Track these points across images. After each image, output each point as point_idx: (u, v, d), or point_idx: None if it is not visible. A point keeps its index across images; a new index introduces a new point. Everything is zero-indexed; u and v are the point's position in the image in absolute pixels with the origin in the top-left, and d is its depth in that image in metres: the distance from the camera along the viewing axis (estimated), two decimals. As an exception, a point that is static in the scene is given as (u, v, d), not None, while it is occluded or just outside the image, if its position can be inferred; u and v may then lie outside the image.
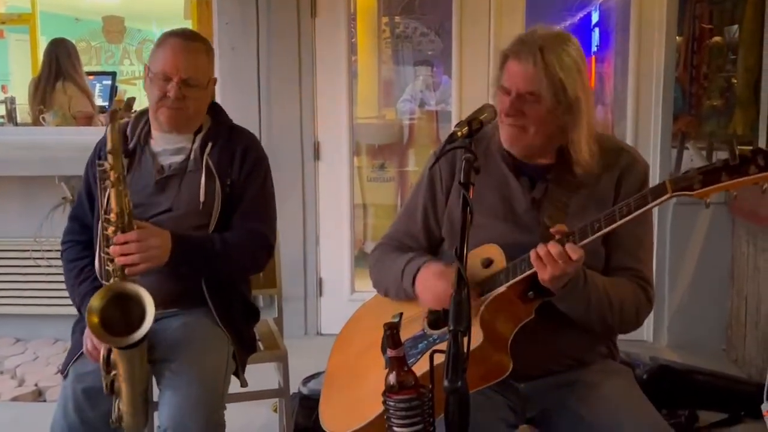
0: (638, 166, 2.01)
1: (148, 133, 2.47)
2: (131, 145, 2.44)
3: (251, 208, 2.46)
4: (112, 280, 2.14)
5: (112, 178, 2.13)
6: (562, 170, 1.99)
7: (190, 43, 2.37)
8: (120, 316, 2.07)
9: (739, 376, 3.79)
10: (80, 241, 2.47)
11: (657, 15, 4.22)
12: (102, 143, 2.45)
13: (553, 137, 1.97)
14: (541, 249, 1.72)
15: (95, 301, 2.05)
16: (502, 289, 1.83)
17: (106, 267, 2.16)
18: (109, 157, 2.14)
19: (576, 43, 1.95)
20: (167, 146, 2.44)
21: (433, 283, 1.94)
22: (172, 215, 2.36)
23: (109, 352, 2.12)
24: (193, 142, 2.43)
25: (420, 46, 6.49)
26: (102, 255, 2.17)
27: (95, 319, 2.04)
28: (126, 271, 2.14)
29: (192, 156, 2.42)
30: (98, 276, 2.35)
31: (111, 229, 2.14)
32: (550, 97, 1.88)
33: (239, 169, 2.44)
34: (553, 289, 1.78)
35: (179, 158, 2.43)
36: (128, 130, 2.47)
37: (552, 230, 1.75)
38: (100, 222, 2.20)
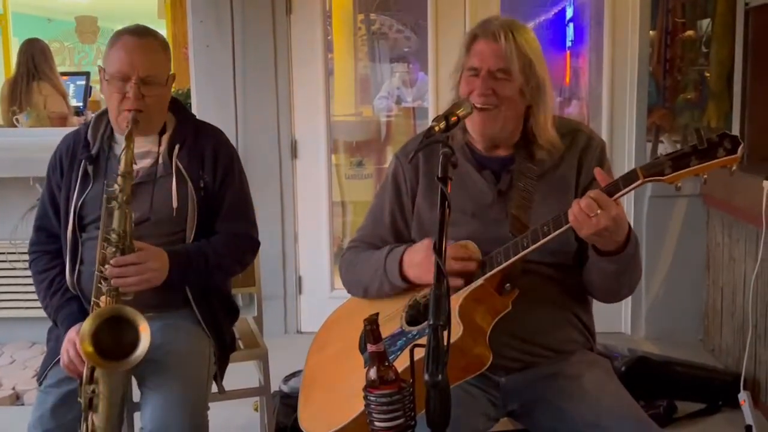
0: (594, 144, 2.06)
1: (111, 137, 2.38)
2: (94, 151, 2.35)
3: (233, 211, 2.43)
4: (102, 299, 2.11)
5: (119, 200, 2.09)
6: (523, 160, 2.02)
7: (144, 40, 2.27)
8: (111, 336, 2.04)
9: (716, 366, 3.83)
10: (48, 251, 2.41)
11: (630, 10, 4.26)
12: (64, 149, 2.41)
13: (518, 121, 2.01)
14: (574, 206, 1.72)
15: (87, 326, 2.02)
16: (480, 281, 1.84)
17: (98, 284, 2.12)
18: (120, 180, 2.10)
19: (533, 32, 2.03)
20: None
21: (425, 255, 1.92)
22: (147, 224, 2.30)
23: (93, 368, 2.09)
24: (160, 144, 2.36)
25: (396, 43, 6.50)
26: (96, 273, 2.13)
27: (89, 347, 2.01)
28: (120, 289, 2.12)
29: (161, 160, 2.34)
30: (70, 287, 2.33)
31: (110, 249, 2.11)
32: (520, 75, 1.93)
33: (212, 171, 2.39)
34: (614, 246, 1.79)
35: (147, 162, 2.35)
36: (89, 134, 2.38)
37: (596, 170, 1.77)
38: (98, 241, 2.15)
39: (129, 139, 2.15)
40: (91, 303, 2.16)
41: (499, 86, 1.94)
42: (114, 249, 2.11)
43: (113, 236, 2.11)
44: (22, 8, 7.70)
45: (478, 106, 1.94)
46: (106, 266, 2.11)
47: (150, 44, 2.28)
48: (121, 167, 2.12)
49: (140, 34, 2.28)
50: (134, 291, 2.15)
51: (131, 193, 2.13)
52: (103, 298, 2.11)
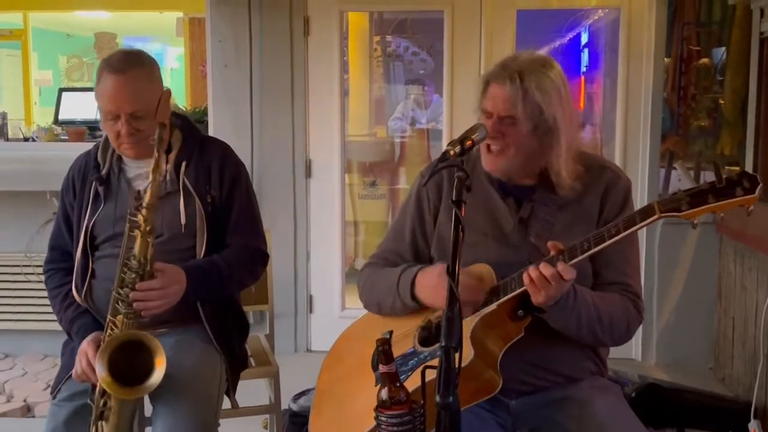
0: (621, 183, 2.05)
1: (120, 158, 2.40)
2: (104, 172, 2.38)
3: (242, 223, 2.45)
4: (119, 318, 2.13)
5: (142, 229, 2.11)
6: (546, 190, 2.03)
7: (126, 76, 2.22)
8: (125, 356, 2.07)
9: (726, 394, 3.82)
10: (62, 268, 2.45)
11: (645, 36, 4.27)
12: (75, 170, 2.44)
13: (532, 158, 2.02)
14: (533, 272, 1.74)
15: (103, 353, 2.05)
16: (492, 307, 1.84)
17: (116, 305, 2.14)
18: (145, 211, 2.11)
19: (557, 67, 2.01)
20: (140, 170, 2.36)
21: (437, 280, 1.93)
22: (159, 241, 2.29)
23: None
24: (166, 161, 2.34)
25: (411, 65, 6.54)
26: (114, 294, 2.14)
27: (107, 377, 2.04)
28: (143, 313, 2.14)
29: (168, 177, 2.35)
30: (79, 302, 2.35)
31: (130, 274, 2.12)
32: (527, 121, 1.94)
33: (219, 185, 2.40)
34: (544, 307, 1.81)
35: (153, 165, 2.33)
36: (98, 155, 2.41)
37: (549, 244, 1.78)
38: (118, 264, 2.15)
39: (155, 171, 2.12)
40: (107, 321, 2.17)
41: (508, 130, 1.96)
42: (134, 275, 2.12)
43: (134, 262, 2.12)
44: (41, 23, 7.77)
45: (487, 145, 1.98)
46: (125, 289, 2.12)
47: (132, 78, 2.24)
48: (146, 199, 2.11)
49: (121, 69, 2.23)
50: (156, 313, 2.18)
51: (153, 223, 2.13)
52: (119, 317, 2.13)
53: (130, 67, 2.25)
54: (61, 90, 5.54)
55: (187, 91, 6.81)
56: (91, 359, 2.12)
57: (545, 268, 1.73)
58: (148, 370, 2.06)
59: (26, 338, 4.47)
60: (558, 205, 2.01)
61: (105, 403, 2.12)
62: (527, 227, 2.01)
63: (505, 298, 1.83)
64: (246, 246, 2.44)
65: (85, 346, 2.18)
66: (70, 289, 2.39)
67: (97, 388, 2.12)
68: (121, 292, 2.13)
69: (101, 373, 2.04)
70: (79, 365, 2.17)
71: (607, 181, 2.04)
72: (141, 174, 2.36)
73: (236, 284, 2.46)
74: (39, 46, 7.70)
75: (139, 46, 8.30)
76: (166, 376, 2.08)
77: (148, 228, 2.11)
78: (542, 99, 1.93)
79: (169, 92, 2.34)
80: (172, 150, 2.39)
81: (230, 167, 2.44)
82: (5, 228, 4.46)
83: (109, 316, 2.17)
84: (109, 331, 2.15)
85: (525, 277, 1.76)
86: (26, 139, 5.24)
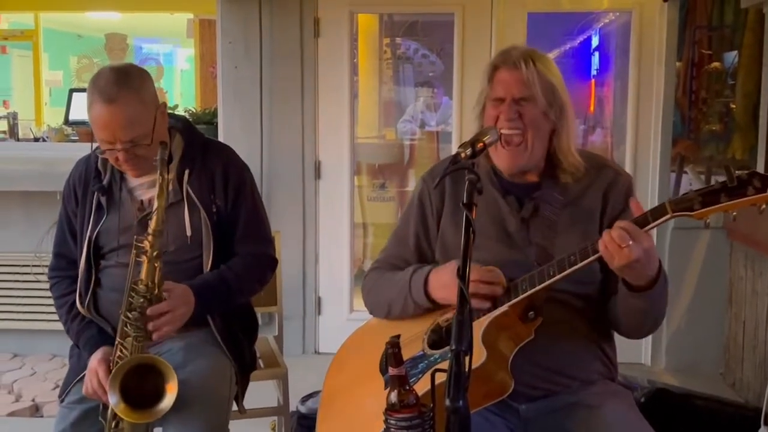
0: (622, 180, 2.05)
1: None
2: (106, 181, 2.33)
3: (249, 231, 2.41)
4: (128, 340, 2.12)
5: (149, 255, 2.09)
6: (548, 188, 2.03)
7: (116, 106, 2.12)
8: (135, 381, 2.07)
9: (736, 400, 3.79)
10: (68, 276, 2.41)
11: (657, 40, 4.26)
12: (76, 177, 2.40)
13: (544, 147, 2.02)
14: (605, 236, 1.72)
15: (114, 382, 2.05)
16: (504, 308, 1.84)
17: (124, 328, 2.12)
18: (150, 238, 2.09)
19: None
20: (143, 180, 2.32)
21: (450, 279, 1.90)
22: (165, 254, 2.21)
23: None
24: (168, 172, 2.24)
25: (421, 68, 6.53)
26: (122, 318, 2.12)
27: (120, 403, 2.04)
28: (154, 336, 2.13)
29: (170, 187, 2.24)
30: (83, 313, 2.34)
31: (138, 299, 2.10)
32: (543, 99, 1.96)
33: (223, 193, 2.35)
34: (645, 281, 1.80)
35: (157, 191, 2.26)
36: (99, 163, 2.35)
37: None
38: (126, 290, 2.13)
39: (160, 198, 2.10)
40: (116, 343, 2.15)
41: (524, 110, 1.96)
42: (142, 299, 2.10)
43: (141, 287, 2.10)
44: (53, 24, 7.81)
45: (505, 132, 1.96)
46: (133, 313, 2.10)
47: (125, 105, 2.14)
48: (152, 226, 2.09)
49: (112, 97, 2.12)
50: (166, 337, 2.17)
51: (161, 250, 2.11)
52: (128, 339, 2.12)
53: (121, 93, 2.14)
54: (72, 90, 5.55)
55: (197, 92, 6.83)
56: (102, 379, 2.11)
57: (615, 230, 1.70)
58: (159, 392, 2.05)
59: (35, 338, 4.49)
60: (560, 204, 2.01)
61: (117, 425, 2.12)
62: (529, 227, 2.01)
63: (517, 299, 1.83)
64: (254, 254, 2.41)
65: (96, 364, 2.16)
66: (76, 299, 2.36)
67: (109, 411, 2.12)
68: (130, 315, 2.11)
69: (114, 400, 2.04)
70: (90, 384, 2.16)
71: (607, 180, 2.04)
72: (143, 183, 2.33)
73: (246, 294, 2.44)
74: (50, 46, 7.73)
75: (149, 47, 8.34)
76: (177, 381, 2.08)
77: (155, 254, 2.09)
78: (553, 79, 1.98)
79: (164, 105, 2.29)
80: (173, 159, 2.33)
81: (234, 174, 2.39)
82: (15, 228, 4.48)
83: (117, 338, 2.15)
84: (118, 353, 2.14)
85: (600, 243, 1.72)
86: (36, 140, 5.27)
